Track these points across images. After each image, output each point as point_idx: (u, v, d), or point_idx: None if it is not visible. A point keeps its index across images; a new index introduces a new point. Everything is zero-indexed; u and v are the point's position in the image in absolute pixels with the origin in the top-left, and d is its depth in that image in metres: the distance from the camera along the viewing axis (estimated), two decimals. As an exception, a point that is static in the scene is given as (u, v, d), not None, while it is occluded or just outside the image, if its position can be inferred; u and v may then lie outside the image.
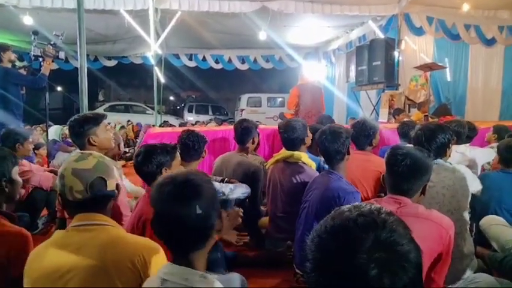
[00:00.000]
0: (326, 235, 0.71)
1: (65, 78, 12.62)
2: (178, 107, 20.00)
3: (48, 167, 4.52)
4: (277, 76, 16.07)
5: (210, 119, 13.02)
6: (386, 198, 1.67)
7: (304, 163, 2.68)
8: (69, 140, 6.61)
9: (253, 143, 3.27)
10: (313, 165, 2.74)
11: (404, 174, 1.61)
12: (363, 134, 2.78)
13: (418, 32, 7.99)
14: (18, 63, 4.31)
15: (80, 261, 1.21)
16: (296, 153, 2.72)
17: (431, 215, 1.59)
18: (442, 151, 2.05)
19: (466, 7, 7.12)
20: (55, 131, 5.90)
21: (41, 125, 7.81)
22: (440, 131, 2.03)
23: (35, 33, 4.25)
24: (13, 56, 4.06)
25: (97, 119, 2.29)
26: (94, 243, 1.24)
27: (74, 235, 1.29)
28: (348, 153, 2.28)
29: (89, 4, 6.85)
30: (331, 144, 2.20)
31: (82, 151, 2.28)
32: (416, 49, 8.17)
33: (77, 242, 1.26)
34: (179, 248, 1.11)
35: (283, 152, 2.78)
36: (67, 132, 6.67)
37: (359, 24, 9.15)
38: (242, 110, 14.22)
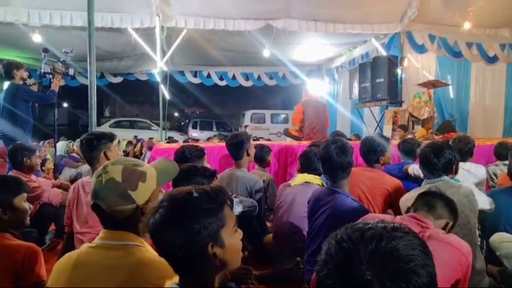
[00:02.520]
0: (334, 241, 0.73)
1: (70, 94, 12.79)
2: (182, 123, 20.11)
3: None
4: (281, 93, 16.18)
5: (214, 135, 13.06)
6: (408, 218, 1.65)
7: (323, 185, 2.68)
8: (75, 155, 6.67)
9: (248, 155, 3.20)
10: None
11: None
12: (371, 150, 2.76)
13: (421, 49, 8.06)
14: (28, 80, 4.38)
15: (107, 283, 1.18)
16: (318, 177, 2.73)
17: (451, 239, 1.56)
18: (449, 167, 2.04)
19: (467, 25, 7.20)
20: (61, 146, 5.95)
21: (48, 140, 7.84)
22: (447, 148, 2.03)
23: (45, 50, 4.33)
24: (25, 74, 4.14)
25: (112, 136, 2.39)
26: (122, 264, 1.21)
27: (100, 253, 1.25)
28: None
29: (97, 22, 6.97)
30: (339, 158, 2.14)
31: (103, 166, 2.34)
32: (418, 66, 8.23)
33: (103, 260, 1.23)
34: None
35: (314, 178, 2.77)
36: (73, 147, 6.73)
37: (362, 42, 9.25)
38: (246, 126, 14.28)
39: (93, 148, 2.32)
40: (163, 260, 1.26)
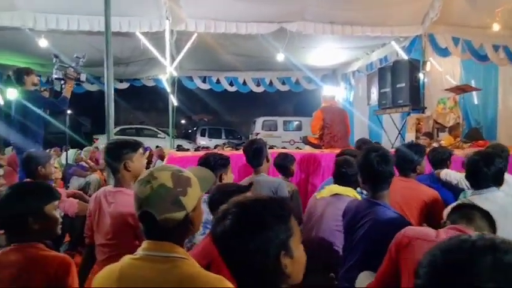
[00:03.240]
0: (440, 252, 0.74)
1: (73, 101, 12.94)
2: (190, 131, 20.22)
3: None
4: (293, 99, 16.22)
5: (223, 143, 13.08)
6: (452, 231, 1.63)
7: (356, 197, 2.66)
8: (84, 164, 6.72)
9: (267, 161, 3.25)
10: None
11: None
12: (408, 159, 2.74)
13: (444, 53, 8.03)
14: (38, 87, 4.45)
15: None
16: (349, 189, 2.72)
17: None
18: (499, 177, 2.02)
19: (496, 27, 7.12)
20: (69, 155, 5.99)
21: (54, 149, 7.92)
22: (497, 156, 2.01)
23: (57, 56, 4.39)
24: (36, 80, 4.20)
25: (135, 146, 2.36)
26: (169, 278, 1.20)
27: (145, 265, 1.24)
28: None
29: (103, 26, 7.07)
30: (380, 167, 2.11)
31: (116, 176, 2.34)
32: (442, 71, 8.19)
33: (149, 273, 1.22)
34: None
35: (346, 190, 2.75)
36: (81, 156, 6.78)
37: (380, 45, 9.24)
38: (257, 134, 14.29)
39: (114, 158, 2.33)
40: (210, 273, 1.26)
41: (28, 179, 3.22)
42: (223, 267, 1.53)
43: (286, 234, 1.02)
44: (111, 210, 2.30)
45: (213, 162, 2.62)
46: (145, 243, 1.29)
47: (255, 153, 3.17)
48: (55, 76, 4.26)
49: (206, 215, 1.99)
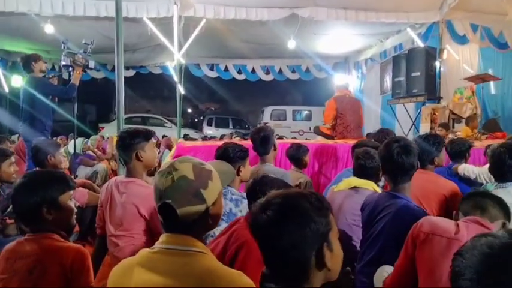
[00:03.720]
0: (484, 257, 0.74)
1: (78, 88, 13.00)
2: (196, 120, 20.24)
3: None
4: (303, 88, 16.10)
5: (231, 133, 13.09)
6: (473, 224, 1.62)
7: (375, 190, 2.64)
8: (91, 153, 6.77)
9: (274, 149, 3.23)
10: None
11: None
12: (426, 150, 2.71)
13: (462, 40, 7.90)
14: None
15: None
16: (368, 181, 2.71)
17: None
18: (525, 171, 1.99)
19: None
20: (77, 144, 6.03)
21: (60, 137, 7.98)
22: (525, 149, 1.97)
23: (65, 42, 4.38)
24: (44, 66, 4.21)
25: (147, 135, 2.37)
26: (189, 272, 1.20)
27: (164, 259, 1.25)
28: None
29: (111, 12, 7.05)
30: (400, 158, 2.08)
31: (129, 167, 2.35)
32: (459, 59, 8.08)
33: (168, 267, 1.22)
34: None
35: (365, 183, 2.73)
36: (89, 145, 6.82)
37: (395, 32, 9.12)
38: (265, 123, 14.25)
39: (126, 147, 2.34)
40: (230, 268, 1.27)
41: (37, 168, 3.24)
42: (253, 252, 1.55)
43: (326, 227, 1.06)
44: (122, 200, 2.31)
45: (232, 154, 2.58)
46: (163, 237, 1.29)
47: (263, 141, 3.17)
48: (63, 63, 4.27)
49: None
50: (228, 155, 2.54)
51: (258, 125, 15.59)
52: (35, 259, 1.61)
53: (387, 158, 2.15)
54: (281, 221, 1.03)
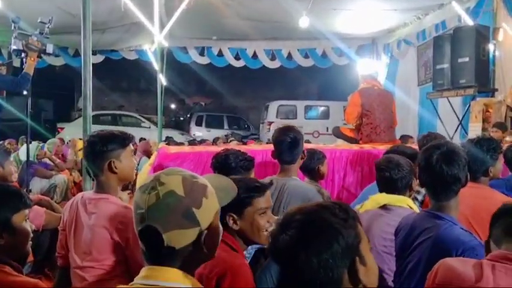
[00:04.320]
0: None
1: (32, 79, 13.05)
2: (182, 119, 20.29)
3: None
4: (319, 77, 16.13)
5: (226, 135, 13.13)
6: (502, 265, 1.61)
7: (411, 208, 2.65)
8: (48, 162, 6.80)
9: (302, 157, 3.16)
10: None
11: None
12: (477, 159, 2.73)
13: (522, 17, 7.93)
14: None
15: None
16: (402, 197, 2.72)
17: None
18: None
19: None
20: (30, 150, 6.05)
21: (8, 141, 7.99)
22: None
23: (15, 21, 4.41)
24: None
25: (124, 140, 2.36)
26: None
27: None
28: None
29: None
30: (440, 168, 2.10)
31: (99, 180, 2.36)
32: (518, 41, 8.10)
33: None
34: None
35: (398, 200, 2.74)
36: (45, 150, 6.85)
37: (436, 6, 9.16)
38: (270, 122, 14.29)
39: (96, 156, 2.33)
40: None
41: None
42: (240, 280, 1.70)
43: (356, 240, 1.15)
44: (91, 222, 2.32)
45: (234, 164, 2.58)
46: (145, 270, 1.30)
47: (292, 145, 3.01)
48: (14, 47, 4.29)
49: None
50: (229, 164, 2.54)
51: (261, 125, 15.69)
52: None
53: (425, 166, 2.18)
54: (305, 240, 1.11)
